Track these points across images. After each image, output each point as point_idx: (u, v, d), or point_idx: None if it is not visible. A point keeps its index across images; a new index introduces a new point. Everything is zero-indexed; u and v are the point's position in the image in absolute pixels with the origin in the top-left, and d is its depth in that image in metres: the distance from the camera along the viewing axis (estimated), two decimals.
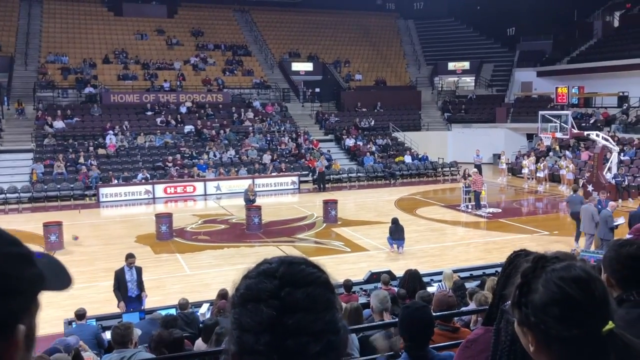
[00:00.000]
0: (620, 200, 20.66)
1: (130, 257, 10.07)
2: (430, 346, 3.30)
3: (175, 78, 33.77)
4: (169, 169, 25.39)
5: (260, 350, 0.93)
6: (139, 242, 16.38)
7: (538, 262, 1.17)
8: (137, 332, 5.85)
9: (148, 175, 24.42)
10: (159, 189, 24.11)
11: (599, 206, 14.37)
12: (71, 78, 31.98)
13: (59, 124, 27.71)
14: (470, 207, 20.45)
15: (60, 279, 0.98)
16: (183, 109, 31.01)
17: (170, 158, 26.19)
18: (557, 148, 28.70)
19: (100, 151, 26.40)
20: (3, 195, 22.58)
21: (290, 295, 0.95)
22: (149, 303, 10.24)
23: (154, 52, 35.94)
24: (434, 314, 4.35)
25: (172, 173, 25.12)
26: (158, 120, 29.68)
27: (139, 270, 10.09)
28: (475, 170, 21.62)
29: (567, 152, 28.08)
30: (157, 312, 8.15)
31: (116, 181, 23.96)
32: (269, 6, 42.02)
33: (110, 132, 27.65)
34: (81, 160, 25.11)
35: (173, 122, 29.69)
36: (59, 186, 23.27)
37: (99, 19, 37.36)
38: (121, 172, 24.88)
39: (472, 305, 6.52)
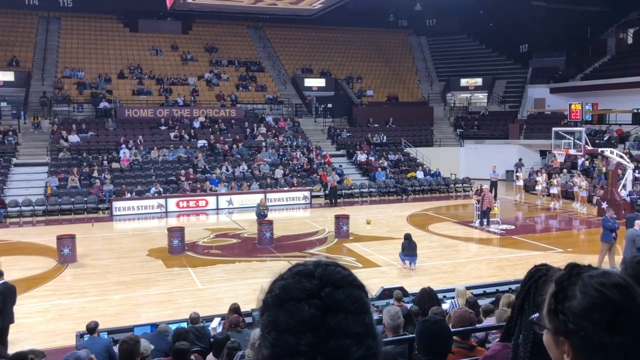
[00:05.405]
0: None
1: None
2: None
3: (189, 93, 34.07)
4: (181, 183, 25.52)
5: (302, 350, 0.90)
6: (151, 255, 16.42)
7: (572, 269, 1.13)
8: (150, 346, 5.83)
9: (161, 189, 24.54)
10: (172, 203, 24.22)
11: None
12: (86, 93, 32.40)
13: (73, 138, 28.02)
14: (484, 223, 20.32)
15: None
16: (196, 124, 31.24)
17: (183, 172, 26.34)
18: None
19: (114, 165, 26.61)
20: (18, 208, 22.80)
21: (331, 295, 0.94)
22: (160, 317, 10.23)
23: (168, 68, 36.34)
24: (453, 329, 4.29)
25: (184, 187, 25.24)
26: (172, 134, 29.91)
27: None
28: (486, 186, 21.44)
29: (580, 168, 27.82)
30: (163, 325, 8.13)
31: (129, 195, 24.11)
32: (282, 22, 42.35)
33: (124, 146, 27.89)
34: (95, 174, 25.31)
35: (186, 136, 29.90)
36: (72, 199, 23.44)
37: (115, 35, 37.91)
38: (134, 186, 25.05)
39: (486, 322, 6.44)
